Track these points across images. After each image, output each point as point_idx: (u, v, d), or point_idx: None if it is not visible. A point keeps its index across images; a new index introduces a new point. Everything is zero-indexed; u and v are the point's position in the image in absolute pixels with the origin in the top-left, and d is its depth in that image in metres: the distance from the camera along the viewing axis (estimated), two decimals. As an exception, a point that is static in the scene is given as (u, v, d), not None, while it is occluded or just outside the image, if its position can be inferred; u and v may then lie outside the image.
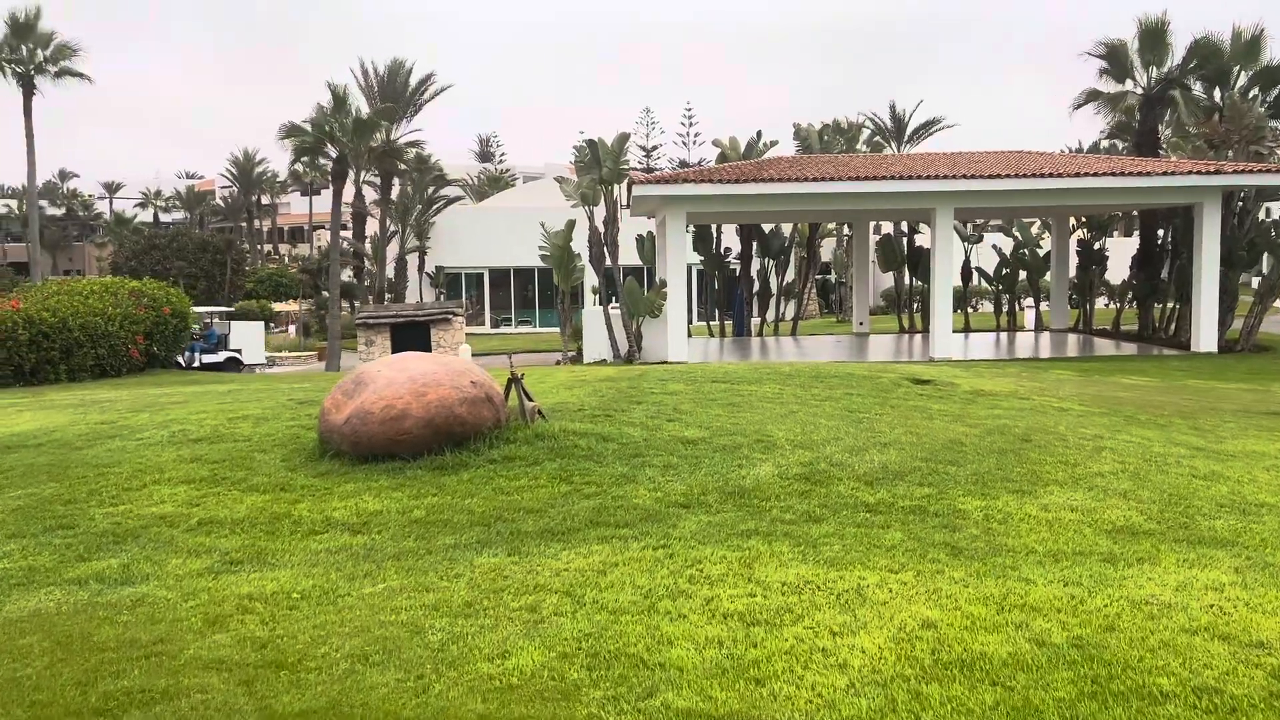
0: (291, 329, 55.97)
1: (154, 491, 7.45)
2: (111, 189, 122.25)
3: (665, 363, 23.51)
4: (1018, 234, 33.14)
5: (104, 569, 5.86)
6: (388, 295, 51.29)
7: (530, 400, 9.09)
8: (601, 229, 23.73)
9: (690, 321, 41.30)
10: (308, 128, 32.48)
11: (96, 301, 19.32)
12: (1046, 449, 8.54)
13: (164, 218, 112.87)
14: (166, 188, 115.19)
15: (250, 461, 8.23)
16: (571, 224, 24.05)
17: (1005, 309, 32.87)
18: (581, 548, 6.05)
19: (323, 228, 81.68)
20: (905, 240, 33.36)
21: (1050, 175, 23.15)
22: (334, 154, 33.19)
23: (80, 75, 37.34)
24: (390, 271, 51.82)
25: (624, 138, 22.95)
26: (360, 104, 39.58)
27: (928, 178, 23.13)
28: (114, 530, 6.59)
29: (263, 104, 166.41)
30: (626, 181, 22.84)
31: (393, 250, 51.63)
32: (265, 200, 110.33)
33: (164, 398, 13.16)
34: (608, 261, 24.01)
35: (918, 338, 30.70)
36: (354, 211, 53.00)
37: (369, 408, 8.08)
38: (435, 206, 53.29)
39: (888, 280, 45.19)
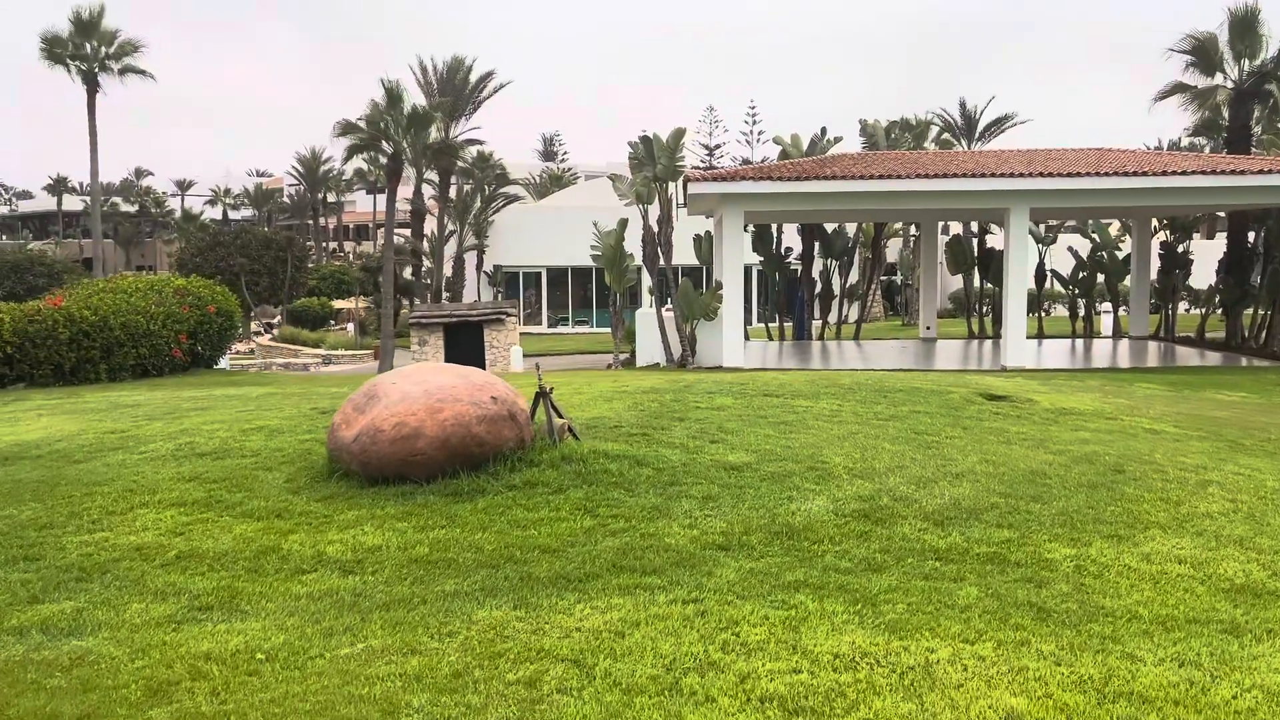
0: (350, 327, 55.94)
1: (139, 516, 6.75)
2: (184, 186, 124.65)
3: (720, 368, 22.57)
4: (1095, 235, 31.58)
5: (54, 615, 5.14)
6: (445, 294, 51.01)
7: (560, 417, 8.26)
8: (655, 228, 22.86)
9: (750, 324, 40.33)
10: (362, 124, 32.10)
11: (140, 300, 18.96)
12: (1143, 482, 7.48)
13: (233, 215, 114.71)
14: (236, 186, 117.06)
15: (252, 481, 7.52)
16: (624, 223, 23.22)
17: (1081, 314, 31.33)
18: (599, 600, 5.19)
19: (401, 225, 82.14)
20: (976, 241, 31.99)
21: (1134, 174, 21.75)
22: (389, 151, 32.74)
23: (143, 73, 37.54)
24: (448, 270, 51.54)
25: (679, 133, 22.05)
26: (419, 101, 39.26)
27: (1001, 175, 21.88)
28: (82, 564, 5.89)
29: (335, 103, 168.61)
30: (682, 179, 21.94)
31: (451, 249, 51.32)
32: (331, 198, 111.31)
33: (190, 402, 12.60)
34: (661, 262, 23.13)
35: (988, 344, 29.35)
36: (412, 209, 52.80)
37: (380, 425, 7.32)
38: (494, 205, 52.88)
39: (956, 281, 43.70)
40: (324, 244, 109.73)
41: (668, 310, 23.63)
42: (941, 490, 7.06)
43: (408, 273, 55.73)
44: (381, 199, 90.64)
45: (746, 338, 32.29)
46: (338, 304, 63.51)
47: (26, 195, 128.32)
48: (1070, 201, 23.55)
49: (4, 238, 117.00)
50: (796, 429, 8.86)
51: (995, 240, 37.63)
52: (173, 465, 8.02)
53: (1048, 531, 6.33)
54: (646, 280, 31.22)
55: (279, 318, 60.70)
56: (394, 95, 31.68)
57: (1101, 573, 5.66)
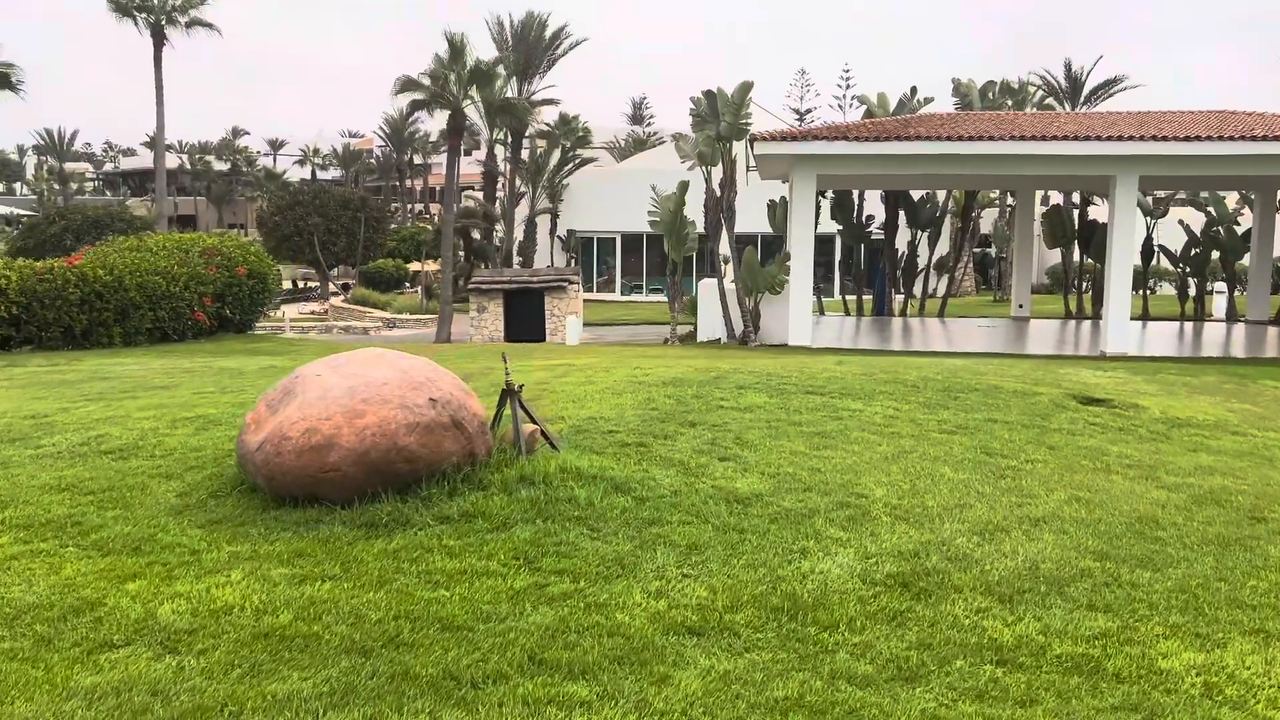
0: (420, 290, 55.15)
1: (-35, 543, 5.31)
2: (276, 146, 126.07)
3: (785, 346, 20.68)
4: (1211, 208, 28.65)
5: None
6: (517, 259, 49.74)
7: (533, 422, 6.61)
8: (718, 192, 20.98)
9: (830, 296, 38.15)
10: (424, 80, 30.72)
11: (163, 259, 17.87)
12: (1295, 540, 5.53)
13: (321, 175, 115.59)
14: (327, 146, 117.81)
15: (137, 495, 6.04)
16: (684, 186, 21.38)
17: (1192, 294, 28.49)
18: (488, 724, 3.54)
19: (471, 188, 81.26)
20: (1077, 212, 29.31)
21: (1263, 138, 19.11)
22: (452, 108, 31.31)
23: (209, 26, 36.80)
24: (520, 234, 50.24)
25: (746, 87, 20.05)
26: (493, 58, 37.74)
27: (1109, 139, 19.44)
28: None
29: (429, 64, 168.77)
30: (748, 139, 19.99)
31: (523, 212, 49.99)
32: (418, 160, 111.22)
33: (169, 376, 11.29)
34: (724, 229, 21.26)
35: (1086, 325, 26.82)
36: (484, 171, 51.58)
37: (286, 431, 5.75)
38: (568, 167, 51.30)
39: (1054, 255, 40.79)
40: (410, 205, 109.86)
41: (731, 282, 21.78)
42: (1014, 545, 5.22)
43: (479, 236, 54.65)
44: (467, 161, 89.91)
45: (822, 311, 30.25)
46: (413, 266, 62.81)
47: (131, 153, 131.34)
48: (1186, 169, 20.96)
49: (108, 193, 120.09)
50: (834, 443, 7.05)
51: (1098, 211, 34.76)
52: (60, 467, 6.59)
53: (1161, 619, 4.48)
54: (724, 249, 29.28)
55: (355, 279, 60.29)
56: (457, 48, 30.19)
57: (1242, 701, 3.81)
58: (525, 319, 31.41)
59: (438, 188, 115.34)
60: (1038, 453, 7.07)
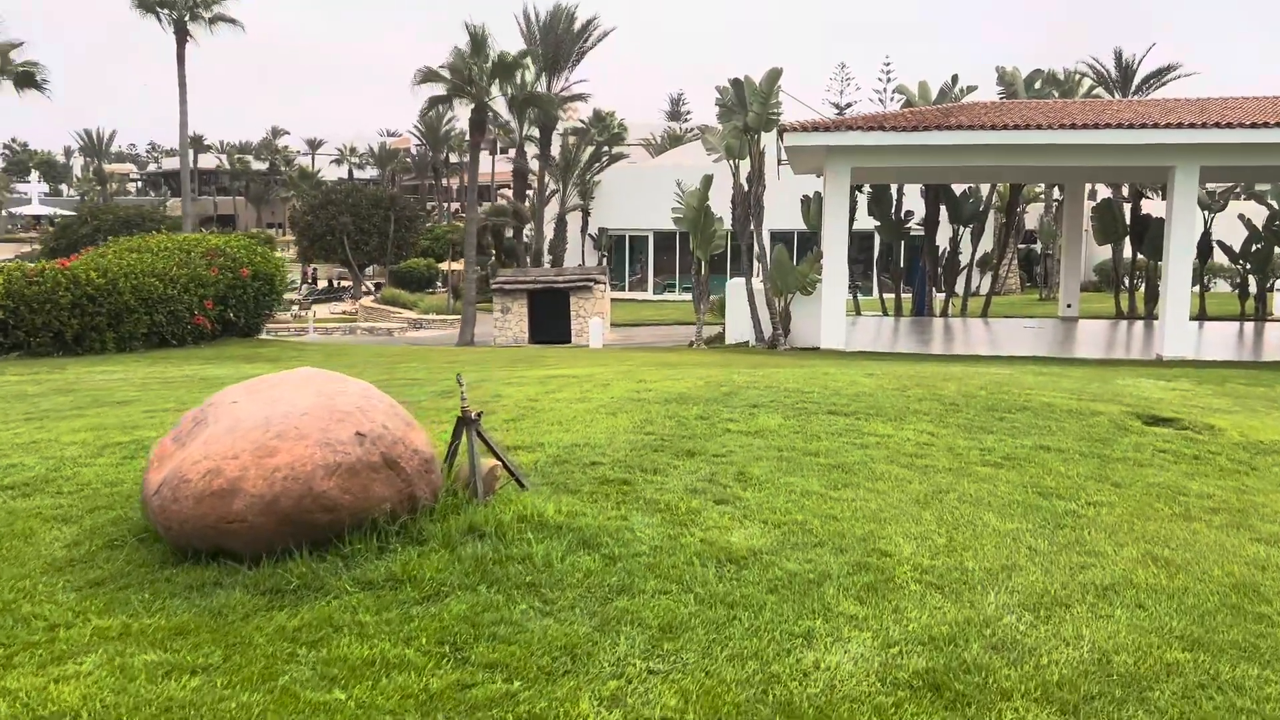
0: (448, 290, 54.42)
1: None
2: (314, 145, 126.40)
3: (816, 349, 19.53)
4: (1273, 201, 27.06)
5: None
6: (547, 257, 48.81)
7: (496, 456, 5.57)
8: (746, 186, 19.85)
9: (869, 294, 36.80)
10: (444, 73, 29.81)
11: (163, 261, 17.08)
12: None
13: (358, 174, 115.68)
14: (366, 145, 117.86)
15: (14, 546, 5.07)
16: (708, 180, 20.26)
17: (1254, 293, 26.91)
18: None
19: (506, 186, 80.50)
20: (1128, 206, 27.80)
21: (1338, 124, 17.66)
22: (473, 102, 30.38)
23: (233, 21, 36.20)
24: (550, 232, 49.31)
25: (775, 75, 18.88)
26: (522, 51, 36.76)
27: (1166, 127, 18.06)
28: None
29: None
30: (778, 130, 18.84)
31: (553, 210, 49.05)
32: (454, 158, 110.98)
33: (137, 390, 10.42)
34: (752, 225, 20.13)
35: (1139, 326, 25.37)
36: (514, 168, 50.72)
37: (186, 471, 4.76)
38: (599, 164, 50.28)
39: (1102, 252, 39.17)
40: (447, 204, 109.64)
41: (760, 281, 20.65)
42: (1078, 627, 4.10)
43: (510, 235, 53.77)
44: (500, 161, 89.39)
45: (858, 311, 28.99)
46: (443, 266, 62.14)
47: (173, 153, 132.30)
48: (1250, 159, 19.49)
49: (150, 193, 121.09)
50: (856, 479, 5.94)
51: (1151, 206, 33.13)
52: (-54, 507, 5.66)
53: (1281, 742, 3.35)
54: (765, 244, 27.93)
55: (384, 278, 59.71)
56: (478, 40, 29.24)
57: None
58: (550, 320, 30.47)
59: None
60: (1101, 492, 5.91)
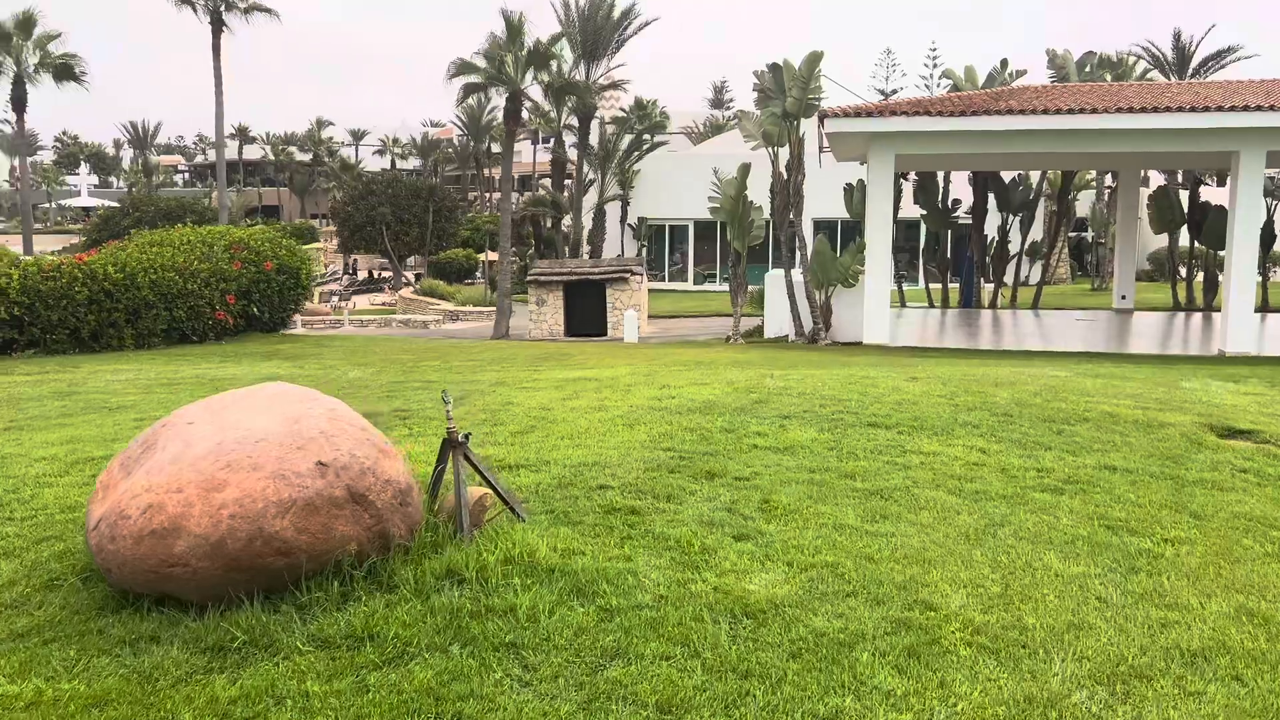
0: (485, 281, 54.03)
1: None
2: (358, 136, 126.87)
3: (859, 344, 18.73)
4: (1342, 187, 25.76)
5: None
6: (586, 248, 48.22)
7: (488, 483, 4.94)
8: (785, 174, 19.06)
9: (915, 284, 35.80)
10: (479, 62, 29.26)
11: (183, 255, 16.68)
12: None
13: (400, 165, 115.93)
14: (410, 136, 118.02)
15: (-50, 583, 4.54)
16: (745, 168, 19.49)
17: (1321, 284, 25.63)
18: None
19: (547, 176, 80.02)
20: (1186, 194, 26.61)
21: None
22: (508, 91, 29.79)
23: (269, 11, 35.93)
24: (588, 222, 48.70)
25: (815, 58, 18.06)
26: (561, 43, 36.11)
27: (1231, 109, 17.03)
28: None
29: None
30: (818, 115, 18.03)
31: (592, 200, 48.43)
32: (496, 148, 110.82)
33: (140, 393, 9.94)
34: (792, 215, 19.34)
35: (1197, 318, 24.24)
36: (552, 158, 50.18)
37: (126, 506, 4.18)
38: (637, 152, 49.53)
39: (1155, 239, 37.83)
40: (489, 194, 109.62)
41: (800, 273, 19.86)
42: (1164, 710, 3.38)
43: (549, 226, 53.23)
44: (542, 151, 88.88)
45: (903, 303, 28.08)
46: (483, 256, 61.81)
47: (223, 145, 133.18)
48: (1325, 142, 18.38)
49: (197, 185, 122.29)
50: (897, 509, 5.23)
51: (1209, 193, 31.79)
52: (-112, 535, 5.14)
53: None
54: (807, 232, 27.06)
55: (424, 269, 59.50)
56: (514, 28, 28.65)
57: None
58: (586, 312, 29.86)
59: (517, 176, 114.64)
60: (1178, 525, 5.15)
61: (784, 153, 19.22)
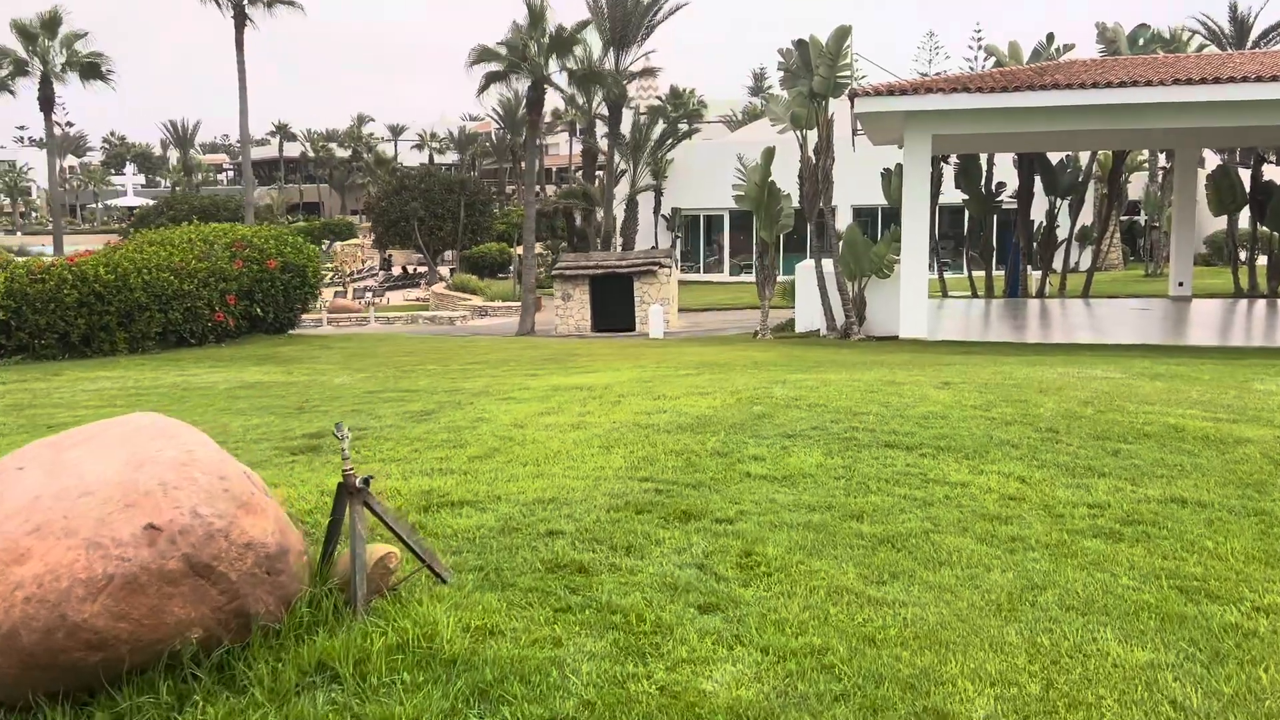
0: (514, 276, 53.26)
1: None
2: (396, 132, 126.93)
3: (894, 338, 17.60)
4: None
5: None
6: (617, 240, 47.26)
7: (403, 538, 3.98)
8: (814, 159, 17.94)
9: (960, 272, 34.42)
10: (502, 50, 28.36)
11: (181, 254, 15.96)
12: None
13: (439, 159, 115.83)
14: (448, 130, 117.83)
15: None
16: (769, 153, 18.38)
17: (1395, 267, 23.97)
18: None
19: (600, 167, 79.10)
20: (1248, 174, 25.05)
21: None
22: (531, 78, 28.83)
23: (291, 3, 35.32)
24: (620, 214, 47.72)
25: (843, 33, 16.88)
26: (588, 30, 35.09)
27: (1300, 78, 15.64)
28: None
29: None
30: (849, 94, 16.89)
31: (624, 190, 47.43)
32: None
33: (103, 406, 9.15)
34: (821, 202, 18.20)
35: (1261, 306, 22.74)
36: (584, 148, 49.26)
37: (-89, 583, 3.29)
38: (670, 141, 48.42)
39: (1213, 223, 36.04)
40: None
41: (831, 264, 18.74)
42: None
43: (580, 219, 52.32)
44: (578, 142, 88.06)
45: (945, 293, 26.81)
46: (516, 250, 61.03)
47: (264, 142, 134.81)
48: (1404, 113, 16.89)
49: (239, 183, 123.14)
50: (911, 564, 4.20)
51: (1272, 172, 30.10)
52: None
53: None
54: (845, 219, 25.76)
55: (455, 265, 58.87)
56: (536, 14, 27.69)
57: None
58: (613, 306, 28.92)
59: (554, 168, 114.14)
60: (1273, 585, 4.06)
61: (812, 136, 18.09)
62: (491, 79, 28.38)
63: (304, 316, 35.00)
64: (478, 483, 5.41)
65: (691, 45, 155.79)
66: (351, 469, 3.91)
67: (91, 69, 35.97)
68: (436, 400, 8.32)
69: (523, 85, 29.19)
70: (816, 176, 18.04)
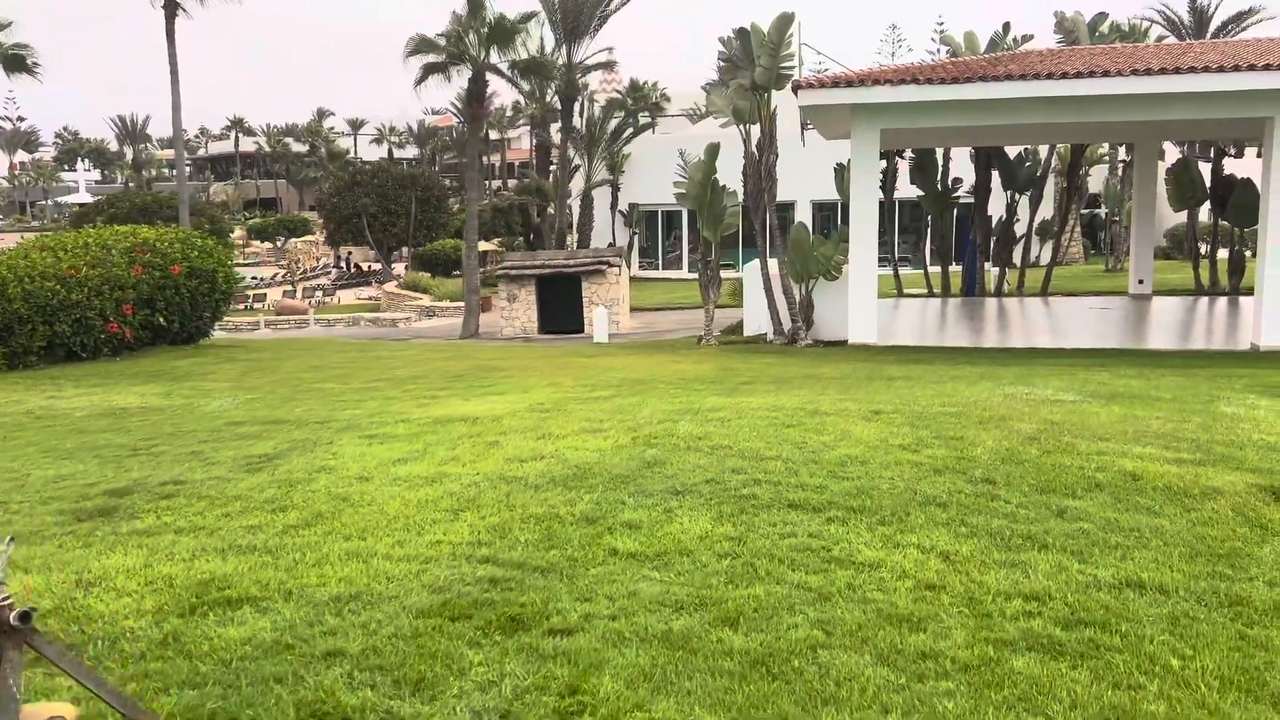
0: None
1: None
2: (356, 126, 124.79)
3: (843, 343, 16.68)
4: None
5: None
6: (573, 237, 46.12)
7: (90, 687, 2.91)
8: (757, 155, 16.95)
9: (920, 268, 33.64)
10: (441, 40, 27.14)
11: (70, 260, 14.71)
12: None
13: (398, 154, 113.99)
14: (409, 124, 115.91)
15: None
16: (713, 149, 17.37)
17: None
18: None
19: (554, 162, 77.68)
20: (1209, 168, 24.38)
21: None
22: (471, 70, 27.65)
23: (227, -6, 33.85)
24: (577, 209, 46.59)
25: (785, 21, 15.85)
26: (534, 20, 33.84)
27: (1265, 69, 14.85)
28: None
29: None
30: (791, 87, 15.90)
31: (579, 186, 46.28)
32: (494, 135, 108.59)
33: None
34: (766, 200, 17.22)
35: (1223, 304, 22.05)
36: (537, 143, 48.07)
37: None
38: (626, 134, 47.33)
39: (1172, 215, 35.49)
40: (490, 181, 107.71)
41: (777, 265, 17.77)
42: None
43: (537, 215, 51.10)
44: (525, 134, 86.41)
45: (900, 291, 25.97)
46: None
47: (223, 137, 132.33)
48: (1370, 105, 16.14)
49: (199, 178, 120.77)
50: (788, 700, 3.18)
51: (1233, 166, 29.52)
52: None
53: None
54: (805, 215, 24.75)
55: (402, 263, 57.42)
56: (475, 3, 26.50)
57: None
58: (561, 307, 27.82)
59: (516, 162, 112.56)
60: (1246, 703, 3.09)
61: (756, 130, 17.10)
62: (430, 70, 27.16)
63: (243, 320, 33.69)
64: (276, 568, 4.35)
65: (668, 39, 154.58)
66: (8, 599, 2.84)
67: (15, 61, 34.33)
68: (295, 437, 7.23)
69: (465, 78, 27.93)
70: (760, 173, 17.06)
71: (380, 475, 5.80)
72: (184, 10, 33.71)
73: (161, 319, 15.72)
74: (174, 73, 33.23)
